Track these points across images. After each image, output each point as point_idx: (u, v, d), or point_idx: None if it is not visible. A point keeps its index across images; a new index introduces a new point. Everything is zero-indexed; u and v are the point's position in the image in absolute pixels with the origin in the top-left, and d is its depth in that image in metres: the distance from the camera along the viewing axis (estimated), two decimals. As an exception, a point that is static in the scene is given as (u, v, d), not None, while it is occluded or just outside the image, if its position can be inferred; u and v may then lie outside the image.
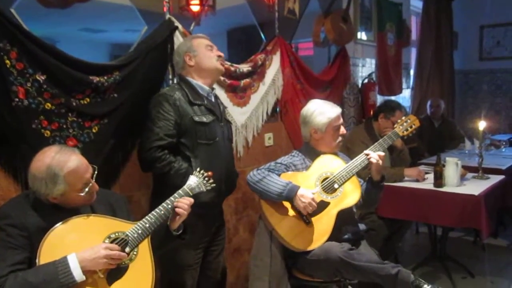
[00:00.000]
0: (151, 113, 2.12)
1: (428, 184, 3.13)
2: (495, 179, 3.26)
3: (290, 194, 2.18)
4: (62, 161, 1.58)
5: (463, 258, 3.62)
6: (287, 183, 2.20)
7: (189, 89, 2.20)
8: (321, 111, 2.40)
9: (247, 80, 3.00)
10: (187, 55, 2.23)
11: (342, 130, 2.42)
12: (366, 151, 2.35)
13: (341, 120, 2.44)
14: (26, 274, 1.48)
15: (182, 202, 1.80)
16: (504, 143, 4.64)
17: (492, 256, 3.88)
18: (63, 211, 1.63)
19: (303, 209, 2.18)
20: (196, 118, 2.14)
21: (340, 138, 2.41)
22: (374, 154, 2.31)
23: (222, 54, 2.30)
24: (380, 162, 2.31)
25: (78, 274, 1.49)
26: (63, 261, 1.50)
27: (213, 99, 2.30)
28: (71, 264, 1.49)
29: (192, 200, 1.84)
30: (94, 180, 1.67)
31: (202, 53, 2.23)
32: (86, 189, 1.63)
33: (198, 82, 2.24)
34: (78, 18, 2.20)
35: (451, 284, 3.21)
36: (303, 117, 2.45)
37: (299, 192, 2.18)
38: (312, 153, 2.42)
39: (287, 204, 2.27)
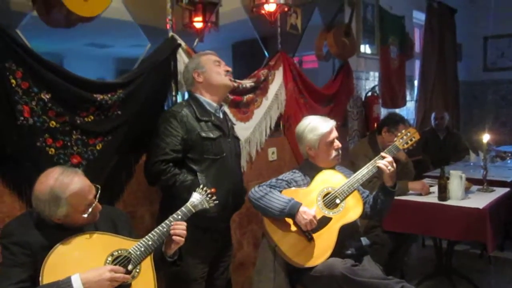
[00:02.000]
0: (159, 129, 2.16)
1: (432, 197, 3.12)
2: (501, 191, 3.23)
3: (292, 210, 2.19)
4: (64, 184, 1.59)
5: (469, 271, 3.58)
6: (289, 200, 2.21)
7: (197, 106, 2.23)
8: (311, 128, 2.40)
9: (250, 95, 3.03)
10: (196, 72, 2.26)
11: (337, 144, 2.41)
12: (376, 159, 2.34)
13: (334, 134, 2.42)
14: None
15: (179, 228, 1.79)
16: (510, 154, 4.61)
17: (499, 269, 3.84)
18: (66, 230, 1.65)
19: (304, 226, 2.19)
20: (203, 134, 2.17)
21: (335, 153, 2.41)
22: (383, 161, 2.30)
23: (230, 69, 2.32)
24: (391, 168, 2.29)
25: None
26: (67, 282, 1.50)
27: (221, 116, 2.32)
28: (74, 285, 1.50)
29: (185, 224, 1.82)
30: (97, 200, 1.68)
31: (210, 69, 2.26)
32: (89, 210, 1.64)
33: (206, 99, 2.27)
34: (84, 34, 2.24)
35: (457, 299, 3.18)
36: (297, 135, 2.47)
37: (301, 209, 2.19)
38: (312, 169, 2.42)
39: (289, 220, 2.27)
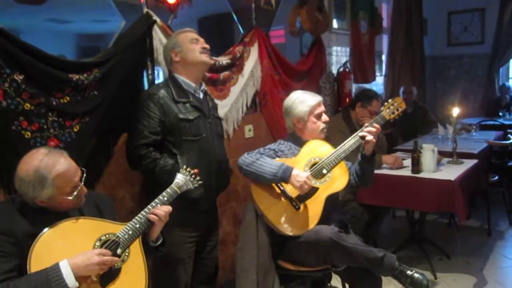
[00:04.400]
0: (137, 113, 2.13)
1: (406, 170, 3.21)
2: (469, 163, 3.37)
3: (285, 174, 2.19)
4: (50, 164, 1.54)
5: (438, 240, 3.74)
6: (281, 164, 2.22)
7: (175, 87, 2.20)
8: (301, 99, 2.42)
9: (226, 72, 2.99)
10: (173, 51, 2.22)
11: (325, 117, 2.44)
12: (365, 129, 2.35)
13: (322, 108, 2.46)
14: (18, 283, 1.44)
15: (159, 210, 1.77)
16: (474, 127, 4.77)
17: (466, 237, 4.03)
18: (51, 215, 1.60)
19: (300, 188, 2.18)
20: (181, 116, 2.15)
21: (323, 126, 2.44)
22: (371, 130, 2.31)
23: (207, 46, 2.27)
24: (375, 138, 2.30)
25: (71, 281, 1.47)
26: (55, 268, 1.47)
27: (201, 96, 2.29)
28: (63, 271, 1.47)
29: (170, 208, 1.81)
30: (82, 183, 1.64)
31: (186, 48, 2.21)
32: (75, 193, 1.60)
33: (184, 79, 2.23)
34: (43, 8, 2.13)
35: (429, 266, 3.31)
36: (285, 108, 2.47)
37: (294, 172, 2.19)
38: (298, 142, 2.43)
39: (277, 190, 2.28)
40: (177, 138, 2.15)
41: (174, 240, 2.01)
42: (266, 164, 2.23)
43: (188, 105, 2.19)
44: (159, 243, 1.87)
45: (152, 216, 1.76)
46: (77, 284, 1.48)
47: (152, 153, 2.10)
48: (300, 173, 2.21)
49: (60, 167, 1.56)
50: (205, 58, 2.24)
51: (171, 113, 2.13)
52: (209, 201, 2.32)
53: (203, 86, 2.34)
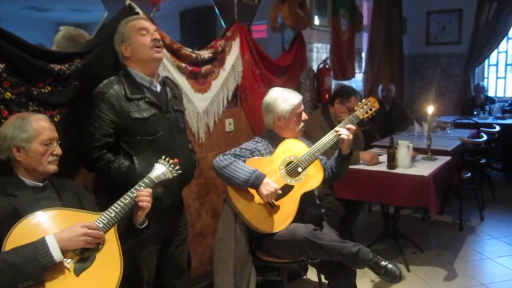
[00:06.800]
0: (90, 114, 2.05)
1: (382, 166, 3.29)
2: (442, 160, 3.48)
3: (256, 181, 2.25)
4: (31, 114, 1.77)
5: (412, 234, 3.85)
6: (253, 171, 2.26)
7: (128, 82, 2.06)
8: (284, 98, 2.47)
9: (208, 66, 3.01)
10: (123, 45, 2.07)
11: (304, 116, 2.51)
12: (336, 128, 2.42)
13: (303, 107, 2.53)
14: (4, 254, 1.48)
15: (142, 195, 1.80)
16: (449, 125, 4.90)
17: (439, 231, 4.15)
18: (27, 189, 1.68)
19: (265, 197, 2.25)
20: (135, 115, 2.03)
21: (302, 124, 2.50)
22: (344, 130, 2.38)
23: (158, 37, 2.10)
24: (351, 136, 2.37)
25: (57, 254, 1.52)
26: (42, 242, 1.52)
27: (158, 89, 2.15)
28: (49, 244, 1.52)
29: (150, 190, 1.83)
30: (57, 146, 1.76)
31: (135, 41, 2.05)
32: (50, 144, 1.72)
33: (139, 73, 2.09)
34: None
35: (403, 260, 3.41)
36: (266, 105, 2.51)
37: (265, 180, 2.25)
38: (275, 139, 2.49)
39: (252, 189, 2.33)
40: (132, 138, 2.04)
41: None
42: (239, 169, 2.28)
43: (142, 102, 2.05)
44: (144, 225, 1.89)
45: (142, 203, 1.79)
46: (62, 257, 1.54)
47: (105, 155, 2.01)
48: (270, 183, 2.26)
49: (39, 116, 1.76)
50: (156, 55, 2.07)
51: (123, 112, 2.01)
52: (171, 198, 2.21)
53: (160, 77, 2.20)
